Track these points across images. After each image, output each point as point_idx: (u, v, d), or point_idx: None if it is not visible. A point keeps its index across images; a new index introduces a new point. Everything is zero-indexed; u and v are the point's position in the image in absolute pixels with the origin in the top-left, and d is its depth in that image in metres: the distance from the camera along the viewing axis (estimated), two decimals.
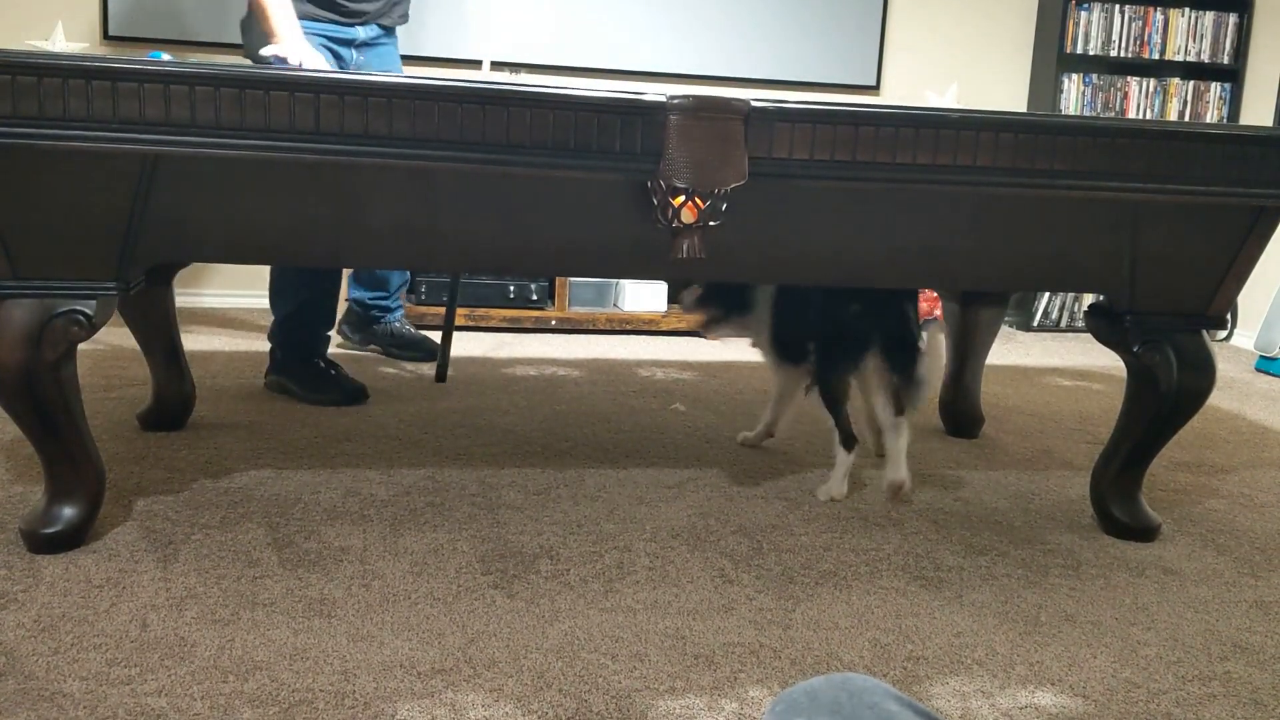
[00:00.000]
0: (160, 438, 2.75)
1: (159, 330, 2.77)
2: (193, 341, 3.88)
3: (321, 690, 1.60)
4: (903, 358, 2.51)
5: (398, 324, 3.87)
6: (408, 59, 4.40)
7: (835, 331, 2.55)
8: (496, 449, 2.81)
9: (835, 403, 2.57)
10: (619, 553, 2.16)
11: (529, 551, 2.14)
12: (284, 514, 2.27)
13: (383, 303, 3.83)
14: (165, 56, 1.99)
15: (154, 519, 2.21)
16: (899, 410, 2.59)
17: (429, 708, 1.56)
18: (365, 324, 3.87)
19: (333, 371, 3.25)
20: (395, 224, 2.03)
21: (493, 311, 4.38)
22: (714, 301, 2.76)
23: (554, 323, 4.50)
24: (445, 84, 1.78)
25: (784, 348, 2.70)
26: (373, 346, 3.89)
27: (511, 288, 4.47)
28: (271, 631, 1.76)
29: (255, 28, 3.00)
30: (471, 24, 4.59)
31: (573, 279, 4.50)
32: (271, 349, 3.27)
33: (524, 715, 1.56)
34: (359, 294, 3.82)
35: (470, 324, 4.36)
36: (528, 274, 4.14)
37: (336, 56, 3.21)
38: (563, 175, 1.90)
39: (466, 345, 4.10)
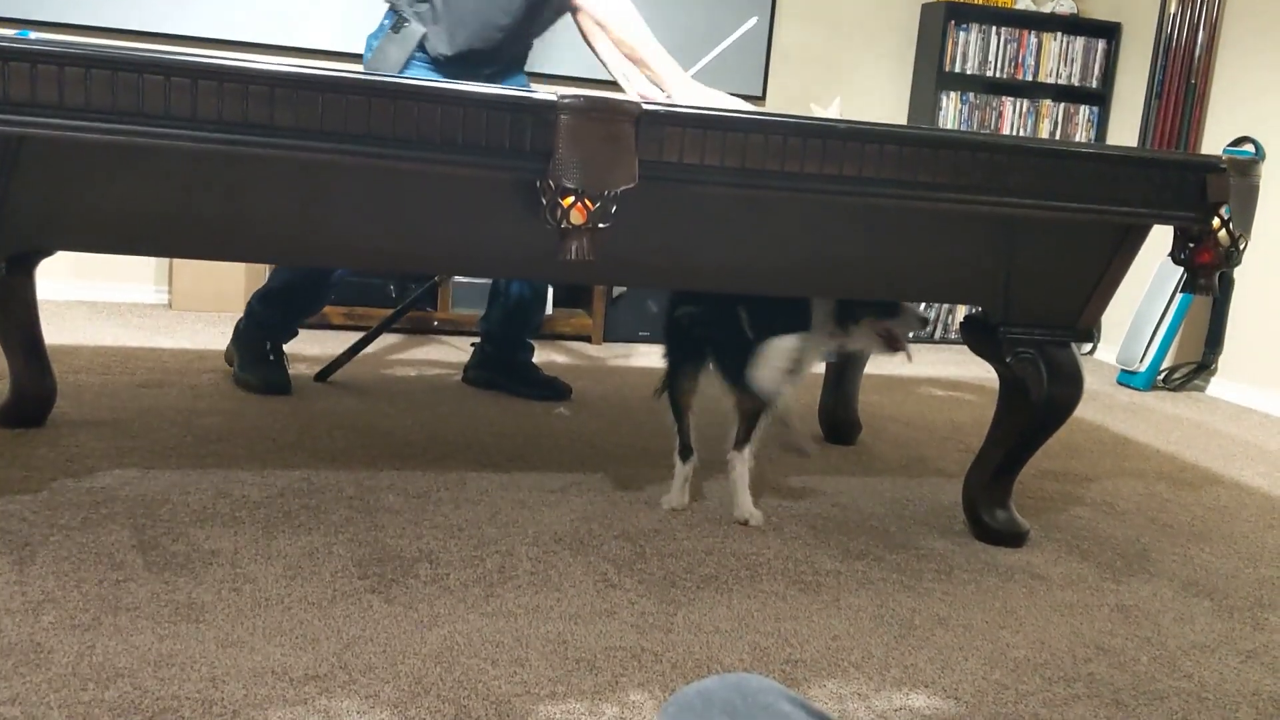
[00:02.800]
0: (18, 435, 2.63)
1: (19, 322, 2.65)
2: (55, 334, 3.72)
3: (188, 698, 1.54)
4: (739, 368, 2.32)
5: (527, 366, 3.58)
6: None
7: (671, 336, 2.45)
8: (375, 451, 2.75)
9: (674, 410, 2.48)
10: (500, 557, 2.14)
11: (408, 555, 2.10)
12: (150, 515, 2.18)
13: (516, 342, 3.55)
14: (33, 35, 1.89)
15: (9, 519, 2.10)
16: (736, 441, 2.43)
17: (302, 715, 1.52)
18: (494, 364, 3.56)
19: (271, 358, 3.30)
20: (279, 217, 1.97)
21: (373, 311, 4.27)
22: None
23: (436, 324, 4.43)
24: (330, 75, 1.74)
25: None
26: (497, 388, 3.55)
27: (393, 287, 4.38)
28: (135, 637, 1.69)
29: (387, 46, 2.98)
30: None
31: (455, 279, 4.44)
32: (240, 319, 3.35)
33: None
34: (490, 328, 3.56)
35: (350, 323, 4.26)
36: (417, 272, 4.07)
37: None
38: (451, 172, 1.87)
39: (345, 345, 4.01)
